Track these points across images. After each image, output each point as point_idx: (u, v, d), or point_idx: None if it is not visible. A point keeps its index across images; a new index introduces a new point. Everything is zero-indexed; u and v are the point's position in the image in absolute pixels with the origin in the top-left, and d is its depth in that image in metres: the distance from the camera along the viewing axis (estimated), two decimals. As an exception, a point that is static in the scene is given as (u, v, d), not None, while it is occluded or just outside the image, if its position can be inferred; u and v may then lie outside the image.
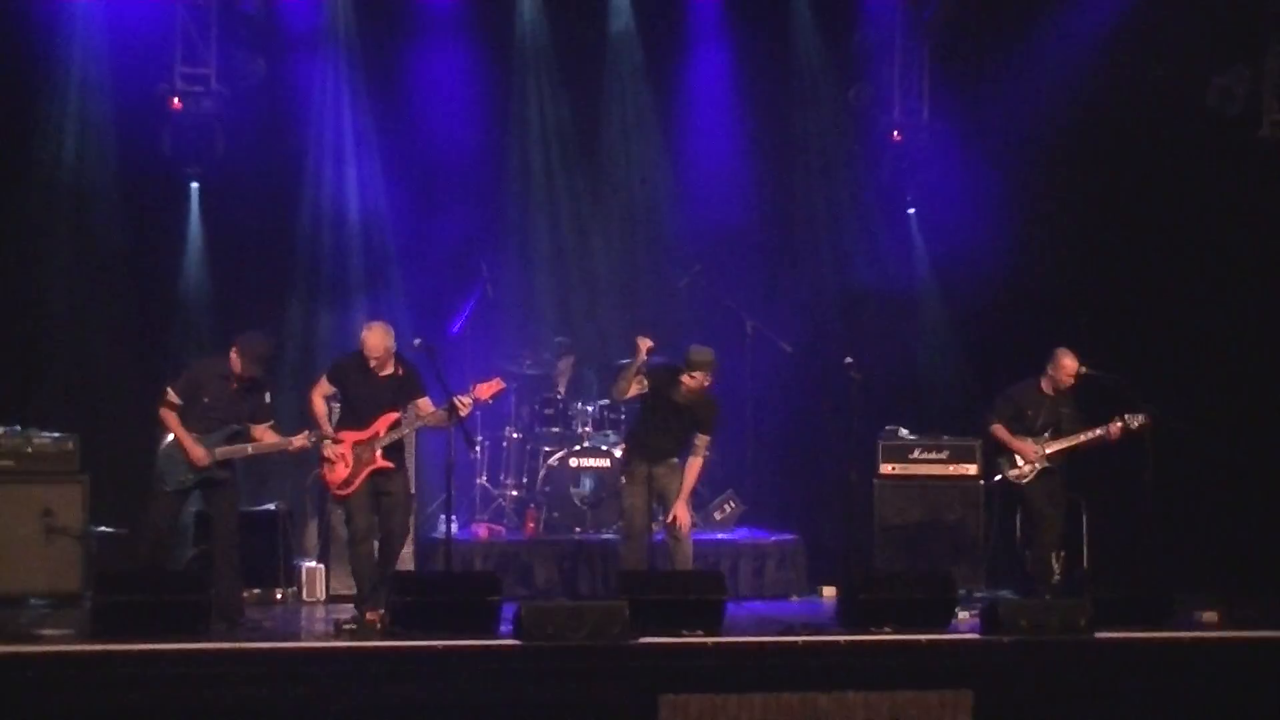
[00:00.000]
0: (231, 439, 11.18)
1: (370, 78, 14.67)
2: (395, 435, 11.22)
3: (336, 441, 11.15)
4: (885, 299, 15.40)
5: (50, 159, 13.80)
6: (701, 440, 11.77)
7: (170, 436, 11.14)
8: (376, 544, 11.30)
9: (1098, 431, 12.56)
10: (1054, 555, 12.90)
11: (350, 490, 11.19)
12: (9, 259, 13.63)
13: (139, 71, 13.81)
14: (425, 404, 11.32)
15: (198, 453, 11.05)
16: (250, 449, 11.26)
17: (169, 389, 11.18)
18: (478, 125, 14.89)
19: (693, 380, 11.62)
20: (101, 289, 13.82)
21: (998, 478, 12.82)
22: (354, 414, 11.29)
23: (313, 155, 14.56)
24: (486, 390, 11.31)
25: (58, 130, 13.81)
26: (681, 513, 11.72)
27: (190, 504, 11.72)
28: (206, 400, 11.17)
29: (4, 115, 13.56)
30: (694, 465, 11.79)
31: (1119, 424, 12.48)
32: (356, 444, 11.17)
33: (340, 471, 11.17)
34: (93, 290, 13.79)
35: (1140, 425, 12.43)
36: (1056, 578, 12.81)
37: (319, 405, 11.38)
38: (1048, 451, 12.63)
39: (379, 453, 11.16)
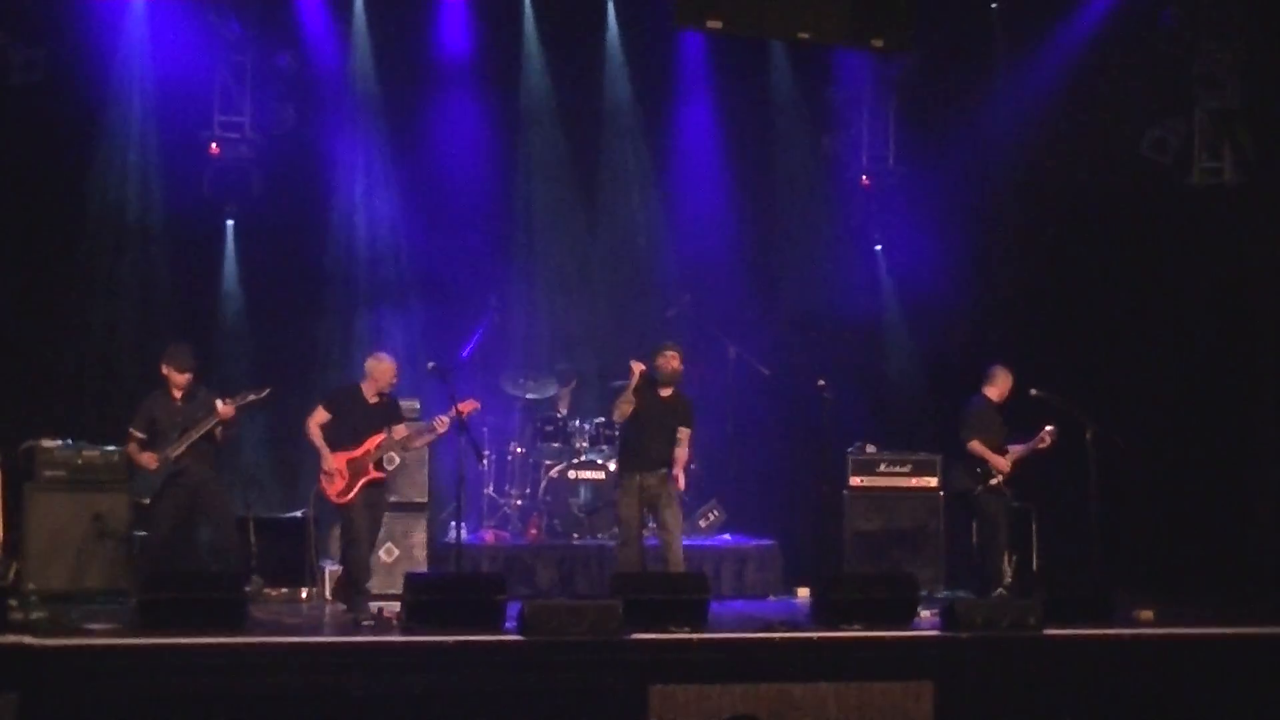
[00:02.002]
0: (183, 438, 11.51)
1: (390, 125, 14.69)
2: (380, 453, 11.62)
3: (260, 400, 11.66)
4: (854, 327, 15.42)
5: (102, 199, 13.80)
6: (684, 433, 11.79)
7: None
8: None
9: (1037, 442, 12.63)
10: (1006, 558, 12.94)
11: (349, 498, 11.48)
12: (66, 289, 13.64)
13: (182, 120, 13.86)
14: (401, 429, 11.69)
15: (142, 459, 11.50)
16: (194, 434, 11.46)
17: (130, 429, 11.61)
18: (487, 168, 14.90)
19: (667, 360, 11.77)
20: (147, 316, 13.81)
21: (979, 489, 12.79)
22: (348, 436, 11.56)
23: (337, 195, 14.57)
24: (464, 408, 11.54)
25: (109, 174, 13.82)
26: (679, 475, 11.74)
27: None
28: (161, 419, 11.57)
29: (63, 161, 13.57)
30: (681, 451, 11.78)
31: (1048, 435, 12.55)
32: (350, 461, 11.49)
33: (338, 484, 11.49)
34: (139, 317, 13.78)
35: (1058, 436, 12.58)
36: (1009, 579, 12.85)
37: (315, 431, 11.60)
38: (1014, 460, 12.70)
39: (371, 465, 11.52)
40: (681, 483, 11.84)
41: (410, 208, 14.61)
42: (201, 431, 11.46)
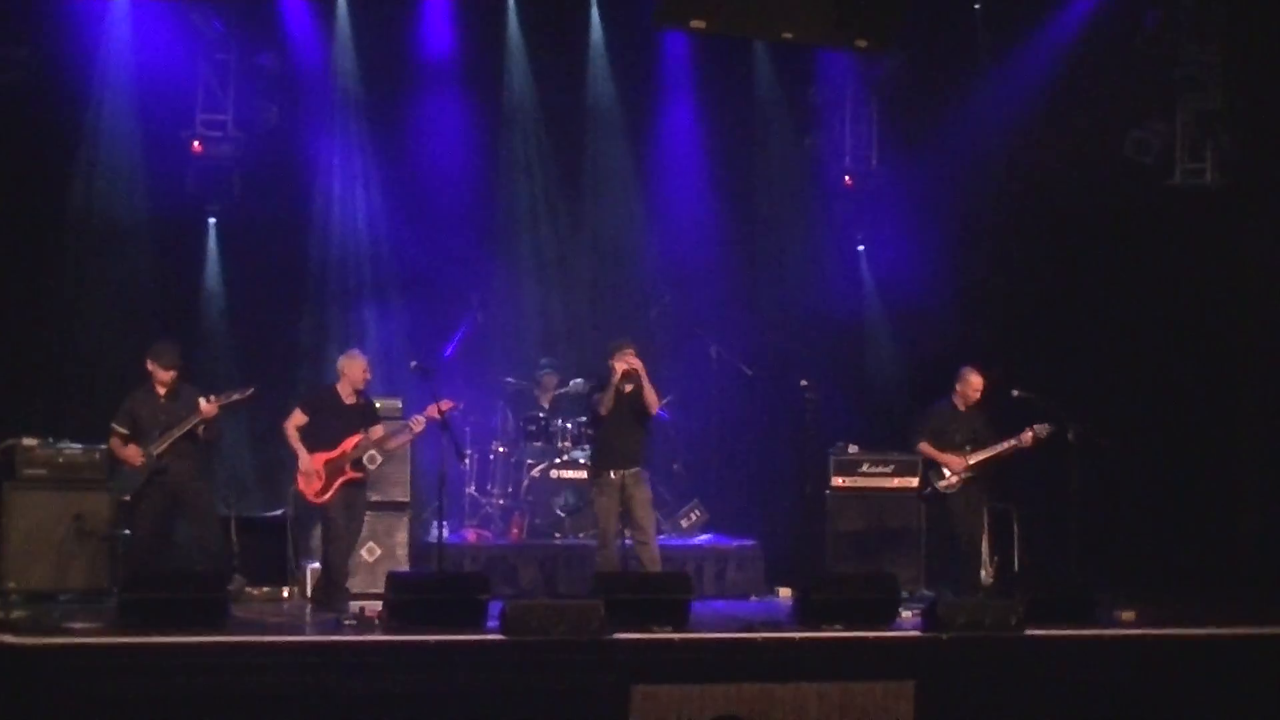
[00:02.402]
0: (164, 436, 11.47)
1: (373, 125, 14.67)
2: (358, 454, 11.68)
3: (244, 399, 11.60)
4: (836, 326, 15.44)
5: (84, 197, 13.75)
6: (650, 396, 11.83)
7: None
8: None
9: (1012, 441, 12.61)
10: (989, 557, 12.96)
11: (327, 497, 11.59)
12: (47, 287, 13.58)
13: (164, 118, 13.81)
14: (378, 429, 11.80)
15: (125, 453, 11.48)
16: (176, 432, 11.42)
17: (113, 424, 11.56)
18: (469, 167, 14.88)
19: (622, 361, 11.75)
20: (129, 314, 13.75)
21: (928, 490, 12.84)
22: (325, 438, 11.64)
23: (320, 194, 14.54)
24: (441, 408, 11.54)
25: (91, 172, 13.75)
26: (633, 360, 11.74)
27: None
28: (144, 415, 11.53)
29: (45, 159, 13.52)
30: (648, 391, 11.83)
31: (1030, 433, 12.53)
32: (328, 462, 11.60)
33: (315, 484, 11.59)
34: (121, 315, 13.72)
35: (1048, 434, 12.50)
36: (990, 579, 12.85)
37: (292, 433, 11.70)
38: (971, 462, 12.65)
39: (348, 465, 11.62)
40: (639, 364, 11.74)
41: (393, 206, 14.59)
42: (184, 430, 11.44)
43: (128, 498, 11.51)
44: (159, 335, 12.18)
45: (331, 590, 11.57)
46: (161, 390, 11.59)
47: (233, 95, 13.85)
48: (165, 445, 11.43)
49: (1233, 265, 14.49)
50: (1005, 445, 12.63)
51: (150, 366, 11.60)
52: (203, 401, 11.43)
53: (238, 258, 14.26)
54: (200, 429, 11.50)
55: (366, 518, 12.13)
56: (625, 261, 15.36)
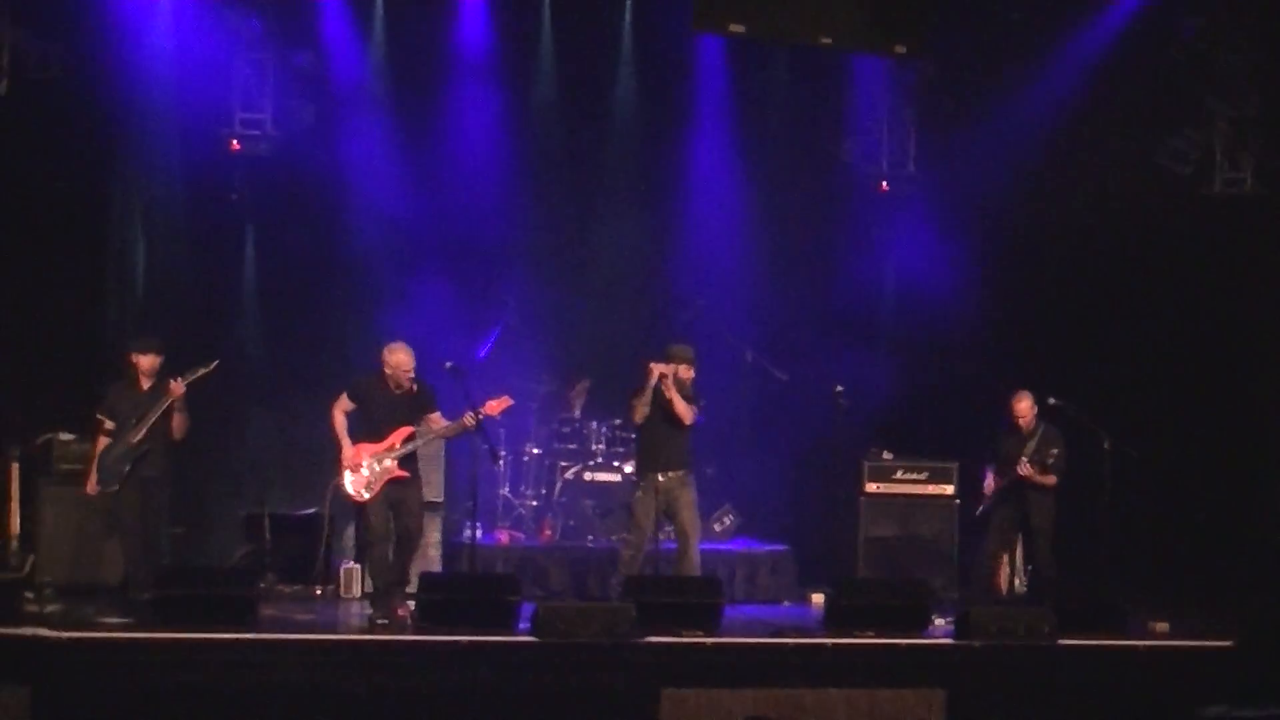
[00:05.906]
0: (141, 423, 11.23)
1: (409, 124, 14.64)
2: (409, 447, 11.18)
3: (209, 372, 11.20)
4: (871, 332, 15.40)
5: (122, 195, 13.79)
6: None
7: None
8: (391, 547, 11.18)
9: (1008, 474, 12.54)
10: (1022, 566, 12.94)
11: (369, 497, 11.10)
12: (85, 284, 13.63)
13: (203, 117, 13.83)
14: (436, 419, 11.33)
15: (87, 486, 11.29)
16: (152, 416, 11.14)
17: (98, 414, 11.36)
18: (504, 168, 14.86)
19: (660, 365, 11.72)
20: (165, 311, 13.76)
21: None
22: (371, 428, 11.22)
23: (356, 192, 14.51)
24: (496, 407, 11.32)
25: (129, 170, 13.80)
26: (662, 368, 11.70)
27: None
28: (122, 408, 11.26)
29: (83, 157, 13.54)
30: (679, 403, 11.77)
31: (1024, 467, 12.41)
32: (373, 455, 11.13)
33: (360, 480, 11.14)
34: (158, 312, 13.74)
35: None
36: (1022, 588, 12.83)
37: (339, 419, 11.30)
38: (1002, 484, 12.60)
39: (395, 463, 11.11)
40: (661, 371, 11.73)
41: (428, 206, 14.57)
42: (159, 412, 11.16)
43: (116, 488, 11.22)
44: (195, 332, 12.20)
45: (389, 592, 11.14)
46: (145, 383, 11.34)
47: (270, 95, 13.90)
48: (144, 431, 11.17)
49: (1269, 274, 14.40)
50: (1006, 477, 12.55)
51: (133, 358, 11.37)
52: (171, 382, 11.13)
53: (274, 256, 14.29)
54: (175, 420, 11.24)
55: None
56: (658, 265, 15.31)
